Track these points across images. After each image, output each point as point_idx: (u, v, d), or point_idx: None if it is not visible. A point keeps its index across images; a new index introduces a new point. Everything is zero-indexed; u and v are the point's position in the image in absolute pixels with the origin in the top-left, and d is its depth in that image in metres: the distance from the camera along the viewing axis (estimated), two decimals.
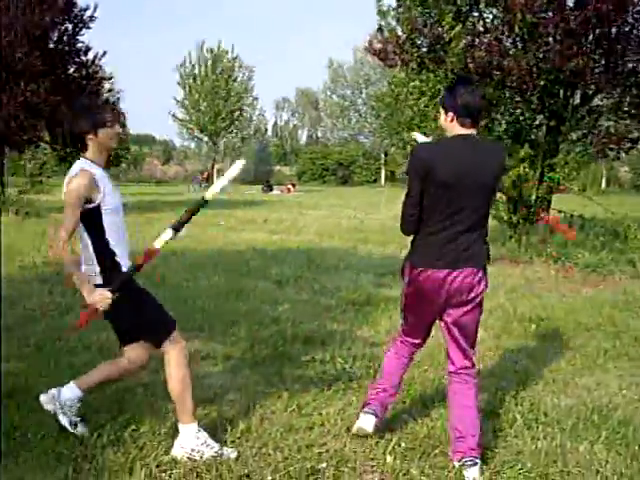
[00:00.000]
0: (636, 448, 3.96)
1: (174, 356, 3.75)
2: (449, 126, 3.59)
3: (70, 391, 3.91)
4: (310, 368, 5.39)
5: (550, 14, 10.10)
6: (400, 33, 11.96)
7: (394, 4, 12.27)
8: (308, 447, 3.88)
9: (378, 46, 12.19)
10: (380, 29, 12.02)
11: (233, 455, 3.72)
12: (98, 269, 3.67)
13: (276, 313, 7.24)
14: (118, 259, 3.69)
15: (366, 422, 3.93)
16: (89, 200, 3.59)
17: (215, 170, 52.25)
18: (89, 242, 3.68)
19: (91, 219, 3.65)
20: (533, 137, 11.63)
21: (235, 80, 53.30)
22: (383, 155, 63.90)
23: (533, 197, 11.61)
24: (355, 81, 70.50)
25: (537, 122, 11.67)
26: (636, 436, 4.13)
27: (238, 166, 3.64)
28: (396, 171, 60.67)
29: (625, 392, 5.03)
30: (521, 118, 11.69)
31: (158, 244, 3.60)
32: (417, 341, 3.96)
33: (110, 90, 24.05)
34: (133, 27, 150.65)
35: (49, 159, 28.46)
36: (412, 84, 12.96)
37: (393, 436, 4.05)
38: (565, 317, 7.38)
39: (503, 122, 11.86)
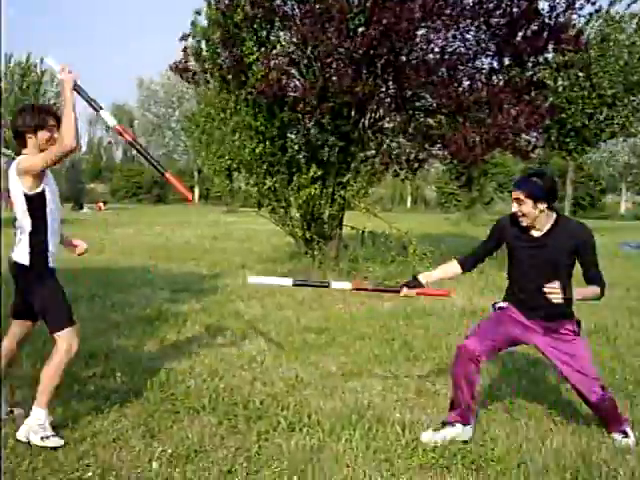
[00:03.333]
0: (388, 442, 4.38)
1: (63, 346, 4.13)
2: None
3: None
4: (90, 383, 5.44)
5: (334, 40, 10.55)
6: (204, 52, 12.19)
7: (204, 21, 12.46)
8: (79, 460, 3.97)
9: (183, 64, 12.21)
10: (185, 38, 12.08)
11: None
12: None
13: None
14: None
15: None
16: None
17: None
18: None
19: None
20: (325, 157, 12.11)
21: (44, 94, 50.92)
22: (197, 173, 63.75)
23: (326, 214, 12.12)
24: (168, 99, 69.89)
25: (329, 143, 12.15)
26: (386, 431, 4.56)
27: None
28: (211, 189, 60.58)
29: (386, 393, 5.48)
30: (314, 139, 12.14)
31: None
32: None
33: None
34: None
35: None
36: (218, 103, 13.08)
37: (159, 444, 4.25)
38: (344, 327, 7.88)
39: (296, 143, 12.28)
